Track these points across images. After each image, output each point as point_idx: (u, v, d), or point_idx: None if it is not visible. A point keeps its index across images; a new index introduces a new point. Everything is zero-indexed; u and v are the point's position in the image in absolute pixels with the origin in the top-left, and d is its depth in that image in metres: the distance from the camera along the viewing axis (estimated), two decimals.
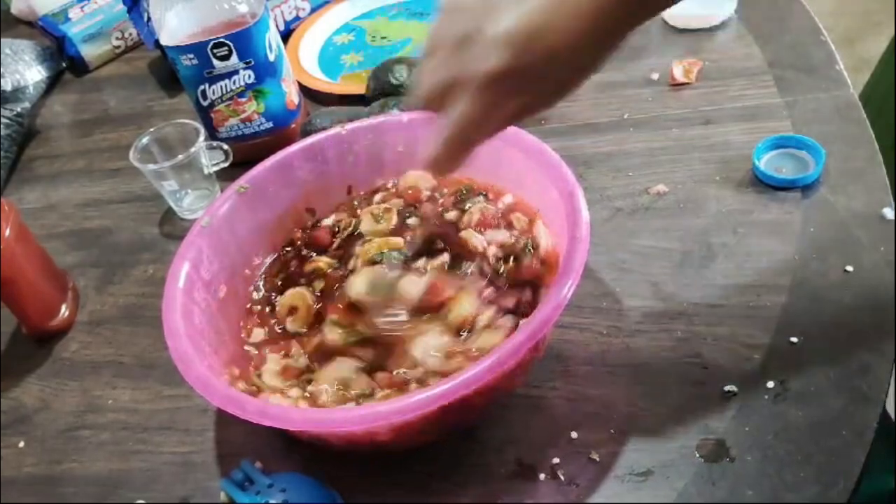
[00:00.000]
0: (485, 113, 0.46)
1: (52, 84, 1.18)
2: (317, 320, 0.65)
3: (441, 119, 0.47)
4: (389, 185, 0.74)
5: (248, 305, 0.68)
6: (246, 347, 0.65)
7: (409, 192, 0.73)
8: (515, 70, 0.43)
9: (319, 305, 0.65)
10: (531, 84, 0.45)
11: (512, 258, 0.64)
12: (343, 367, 0.60)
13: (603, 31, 0.44)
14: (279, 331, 0.65)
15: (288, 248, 0.72)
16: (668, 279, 0.68)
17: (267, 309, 0.67)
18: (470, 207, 0.69)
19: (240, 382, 0.60)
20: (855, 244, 0.66)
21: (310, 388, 0.59)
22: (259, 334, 0.66)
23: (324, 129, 0.76)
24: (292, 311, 0.66)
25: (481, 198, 0.70)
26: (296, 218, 0.73)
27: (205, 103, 0.89)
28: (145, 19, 1.06)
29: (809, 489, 0.52)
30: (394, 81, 0.87)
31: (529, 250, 0.64)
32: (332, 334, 0.62)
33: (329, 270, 0.68)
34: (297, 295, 0.66)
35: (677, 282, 0.67)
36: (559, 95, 0.47)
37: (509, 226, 0.67)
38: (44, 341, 0.78)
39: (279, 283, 0.69)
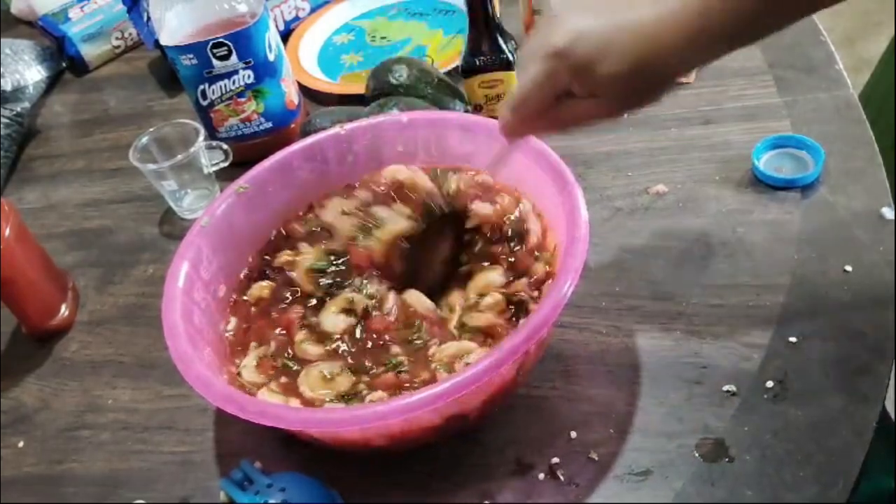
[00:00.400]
0: (590, 113, 0.52)
1: (52, 84, 1.18)
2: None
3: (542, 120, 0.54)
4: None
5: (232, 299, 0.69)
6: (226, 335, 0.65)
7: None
8: (623, 77, 0.48)
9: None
10: (634, 95, 0.51)
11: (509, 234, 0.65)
12: (326, 366, 0.60)
13: (706, 52, 0.49)
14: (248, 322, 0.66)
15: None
16: (668, 279, 0.68)
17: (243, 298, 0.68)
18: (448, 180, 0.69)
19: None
20: (854, 244, 0.66)
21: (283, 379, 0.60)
22: (232, 322, 0.66)
23: (323, 129, 0.76)
24: (259, 302, 0.66)
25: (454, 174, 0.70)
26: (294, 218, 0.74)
27: (204, 103, 0.89)
28: (145, 19, 1.06)
29: (809, 489, 0.52)
30: (393, 81, 0.87)
31: (521, 233, 0.65)
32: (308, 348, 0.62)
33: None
34: (263, 286, 0.67)
35: (677, 282, 0.67)
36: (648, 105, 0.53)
37: (492, 202, 0.67)
38: (44, 341, 0.78)
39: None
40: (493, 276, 0.63)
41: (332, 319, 0.63)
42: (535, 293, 0.61)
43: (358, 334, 0.62)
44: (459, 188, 0.68)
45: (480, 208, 0.66)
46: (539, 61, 0.50)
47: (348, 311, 0.63)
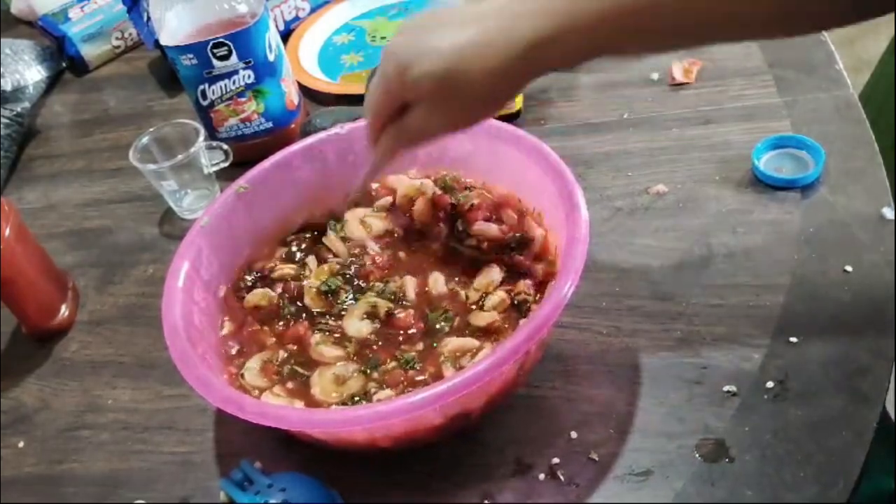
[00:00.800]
0: (420, 127, 0.56)
1: (52, 84, 1.18)
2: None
3: (385, 133, 0.59)
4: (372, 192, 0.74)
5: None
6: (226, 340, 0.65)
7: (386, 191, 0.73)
8: (444, 95, 0.53)
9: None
10: (456, 113, 0.55)
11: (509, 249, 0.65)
12: (342, 368, 0.60)
13: (512, 80, 0.53)
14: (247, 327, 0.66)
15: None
16: (668, 279, 0.68)
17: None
18: (466, 195, 0.70)
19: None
20: (855, 244, 0.66)
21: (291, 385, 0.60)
22: (228, 326, 0.66)
23: (324, 129, 0.76)
24: (257, 309, 0.66)
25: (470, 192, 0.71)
26: (295, 219, 0.74)
27: (204, 103, 0.89)
28: (145, 19, 1.06)
29: (809, 489, 0.52)
30: None
31: (524, 243, 0.65)
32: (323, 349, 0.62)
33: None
34: (262, 295, 0.66)
35: (677, 282, 0.67)
36: (476, 121, 0.57)
37: (499, 221, 0.68)
38: (44, 341, 0.78)
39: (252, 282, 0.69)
40: (493, 275, 0.63)
41: (356, 325, 0.63)
42: (537, 295, 0.62)
43: (379, 335, 0.62)
44: (474, 205, 0.69)
45: (486, 229, 0.67)
46: (380, 65, 0.56)
47: (371, 315, 0.63)
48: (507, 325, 0.61)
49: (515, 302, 0.61)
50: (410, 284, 0.65)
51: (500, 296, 0.62)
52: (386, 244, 0.69)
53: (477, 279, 0.64)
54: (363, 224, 0.70)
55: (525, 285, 0.62)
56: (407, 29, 0.55)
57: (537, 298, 0.61)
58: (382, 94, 0.56)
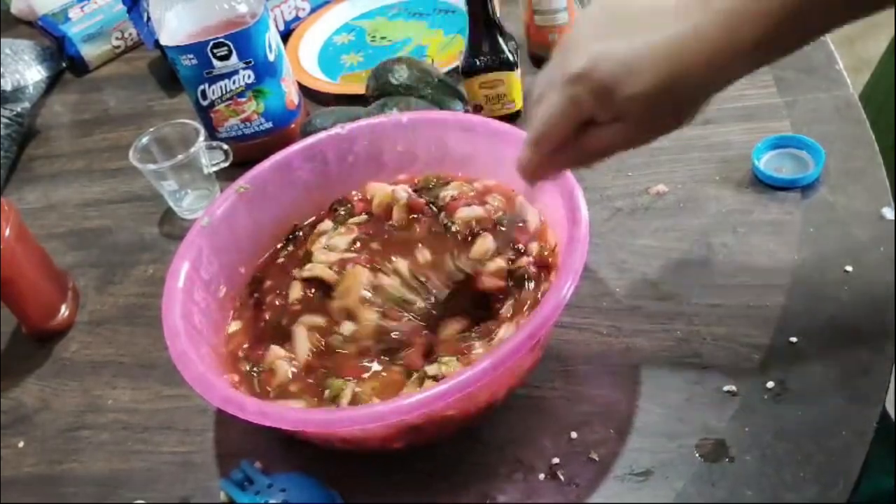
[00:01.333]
0: (635, 137, 0.50)
1: (52, 84, 1.18)
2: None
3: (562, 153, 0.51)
4: (354, 198, 0.74)
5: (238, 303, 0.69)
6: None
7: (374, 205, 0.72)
8: (655, 102, 0.46)
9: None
10: (660, 120, 0.49)
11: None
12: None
13: (728, 81, 0.47)
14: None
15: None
16: (668, 279, 0.68)
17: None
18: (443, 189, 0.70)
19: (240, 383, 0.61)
20: (855, 244, 0.66)
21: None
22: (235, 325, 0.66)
23: (324, 129, 0.76)
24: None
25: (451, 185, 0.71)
26: (294, 220, 0.74)
27: (205, 103, 0.89)
28: (145, 19, 1.06)
29: (809, 489, 0.52)
30: (394, 81, 0.87)
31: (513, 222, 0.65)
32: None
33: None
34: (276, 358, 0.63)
35: (677, 282, 0.67)
36: (658, 131, 0.50)
37: (483, 204, 0.68)
38: (44, 341, 0.78)
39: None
40: (487, 244, 0.64)
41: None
42: (541, 273, 0.62)
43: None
44: (453, 197, 0.68)
45: (470, 212, 0.67)
46: (559, 89, 0.48)
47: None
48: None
49: (515, 276, 0.62)
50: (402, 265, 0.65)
51: (498, 263, 0.62)
52: (360, 248, 0.68)
53: (472, 249, 0.64)
54: (328, 249, 0.69)
55: (526, 261, 0.63)
56: (579, 43, 0.47)
57: (535, 274, 0.62)
58: (568, 123, 0.49)
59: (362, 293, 0.63)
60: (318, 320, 0.64)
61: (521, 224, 0.65)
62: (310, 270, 0.66)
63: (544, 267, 0.62)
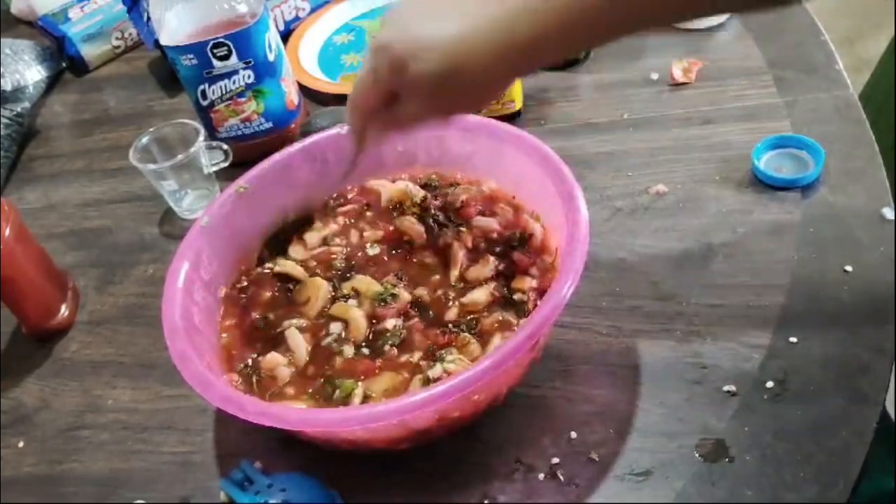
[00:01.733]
0: (411, 114, 0.55)
1: (52, 84, 1.18)
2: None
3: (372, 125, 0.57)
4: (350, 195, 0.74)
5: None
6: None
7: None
8: (445, 84, 0.50)
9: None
10: (453, 101, 0.54)
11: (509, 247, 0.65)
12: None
13: (511, 73, 0.53)
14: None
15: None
16: (668, 279, 0.68)
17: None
18: (453, 191, 0.69)
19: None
20: (855, 244, 0.66)
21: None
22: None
23: (324, 129, 0.76)
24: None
25: (455, 187, 0.70)
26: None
27: (204, 103, 0.89)
28: (145, 19, 1.06)
29: (809, 489, 0.52)
30: None
31: (524, 239, 0.65)
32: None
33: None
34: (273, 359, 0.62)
35: (677, 282, 0.67)
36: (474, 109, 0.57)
37: (493, 215, 0.68)
38: (44, 341, 0.78)
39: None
40: (486, 271, 0.64)
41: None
42: (535, 297, 0.61)
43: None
44: (464, 202, 0.68)
45: (486, 223, 0.67)
46: (369, 57, 0.54)
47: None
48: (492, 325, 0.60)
49: (513, 302, 0.61)
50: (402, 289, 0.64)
51: (486, 292, 0.62)
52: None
53: (471, 270, 0.64)
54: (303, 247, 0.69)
55: (527, 283, 0.62)
56: (395, 20, 0.53)
57: (535, 301, 0.61)
58: (372, 90, 0.55)
59: (340, 301, 0.63)
60: (303, 322, 0.64)
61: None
62: (281, 266, 0.67)
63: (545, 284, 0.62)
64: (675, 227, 0.72)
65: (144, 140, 0.85)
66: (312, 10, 1.14)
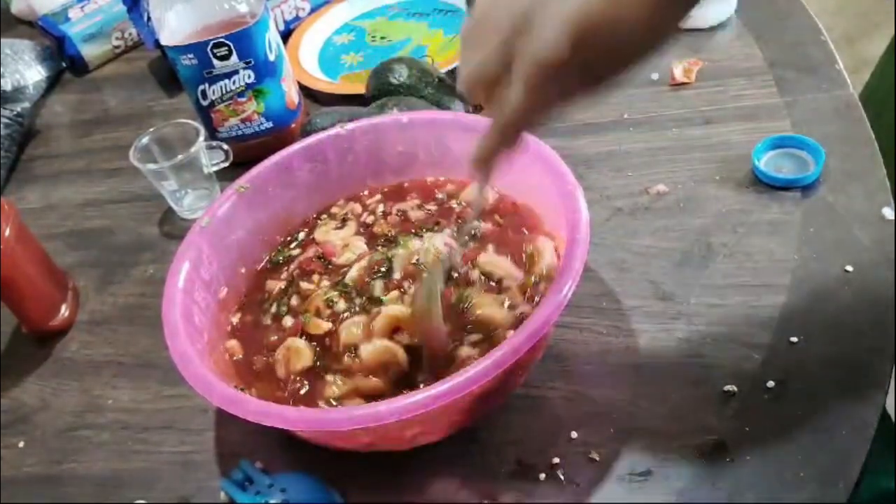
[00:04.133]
0: (538, 104, 0.44)
1: (52, 84, 1.18)
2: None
3: (490, 109, 0.46)
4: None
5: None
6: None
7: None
8: (575, 61, 0.41)
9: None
10: (587, 75, 0.43)
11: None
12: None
13: (664, 18, 0.42)
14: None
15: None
16: (668, 279, 0.68)
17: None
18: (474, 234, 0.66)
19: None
20: (855, 244, 0.66)
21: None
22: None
23: (324, 129, 0.76)
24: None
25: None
26: (294, 220, 0.74)
27: (205, 103, 0.89)
28: (145, 19, 1.06)
29: (809, 489, 0.52)
30: (394, 81, 0.87)
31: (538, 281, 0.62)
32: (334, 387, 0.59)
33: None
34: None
35: (677, 282, 0.67)
36: (613, 85, 0.44)
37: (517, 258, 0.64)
38: (44, 341, 0.78)
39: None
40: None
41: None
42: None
43: None
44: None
45: (509, 272, 0.63)
46: (526, 76, 0.43)
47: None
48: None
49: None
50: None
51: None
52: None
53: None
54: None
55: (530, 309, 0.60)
56: None
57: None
58: (548, 104, 0.44)
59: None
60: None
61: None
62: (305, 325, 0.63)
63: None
64: (675, 227, 0.72)
65: (144, 140, 0.85)
66: (312, 10, 1.14)
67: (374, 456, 0.60)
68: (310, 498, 0.56)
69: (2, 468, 0.68)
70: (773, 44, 0.89)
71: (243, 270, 0.70)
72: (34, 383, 0.74)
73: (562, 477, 0.57)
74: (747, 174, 0.75)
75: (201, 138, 0.84)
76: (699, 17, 0.93)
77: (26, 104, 1.10)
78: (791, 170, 0.73)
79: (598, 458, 0.57)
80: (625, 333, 0.64)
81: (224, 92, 0.88)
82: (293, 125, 0.93)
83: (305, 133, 0.83)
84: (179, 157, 0.82)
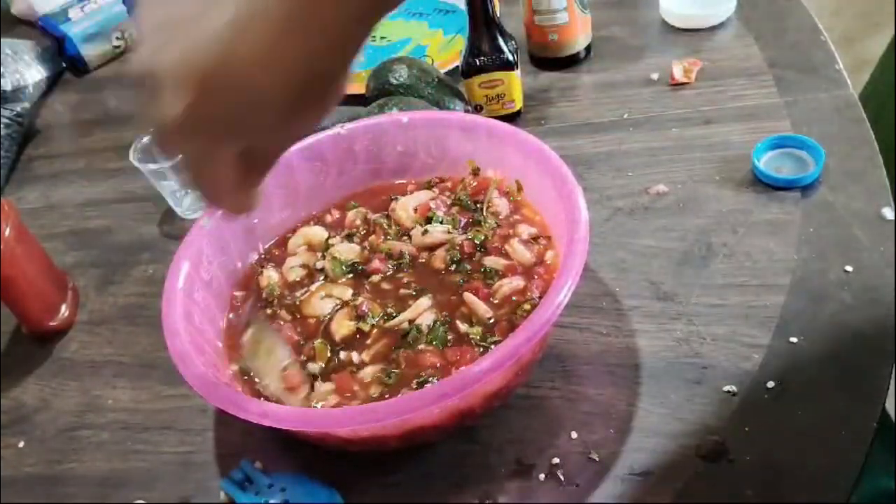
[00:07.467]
0: (200, 162, 0.41)
1: (52, 84, 1.18)
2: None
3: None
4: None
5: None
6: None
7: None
8: (201, 113, 0.37)
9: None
10: (233, 125, 0.38)
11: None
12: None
13: (301, 59, 0.36)
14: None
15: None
16: (668, 279, 0.68)
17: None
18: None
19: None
20: (855, 244, 0.66)
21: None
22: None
23: (323, 129, 0.76)
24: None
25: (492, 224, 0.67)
26: (294, 220, 0.74)
27: None
28: None
29: (809, 489, 0.52)
30: (394, 81, 0.87)
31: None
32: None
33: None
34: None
35: (677, 282, 0.67)
36: (284, 133, 0.40)
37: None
38: (44, 341, 0.78)
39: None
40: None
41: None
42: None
43: None
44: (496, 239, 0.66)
45: (509, 286, 0.63)
46: (182, 141, 0.40)
47: None
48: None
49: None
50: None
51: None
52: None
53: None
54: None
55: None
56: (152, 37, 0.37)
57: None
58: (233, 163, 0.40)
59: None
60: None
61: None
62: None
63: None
64: (675, 227, 0.72)
65: (144, 140, 0.85)
66: None
67: (375, 456, 0.60)
68: (310, 498, 0.56)
69: (2, 468, 0.68)
70: (773, 44, 0.89)
71: (243, 270, 0.70)
72: (34, 383, 0.74)
73: (562, 477, 0.57)
74: (747, 174, 0.75)
75: None
76: (699, 16, 0.93)
77: (26, 104, 1.10)
78: (791, 170, 0.73)
79: (598, 458, 0.57)
80: (625, 333, 0.65)
81: None
82: None
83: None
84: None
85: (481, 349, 0.58)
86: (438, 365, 0.57)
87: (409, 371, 0.58)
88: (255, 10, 0.34)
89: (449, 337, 0.60)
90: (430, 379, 0.56)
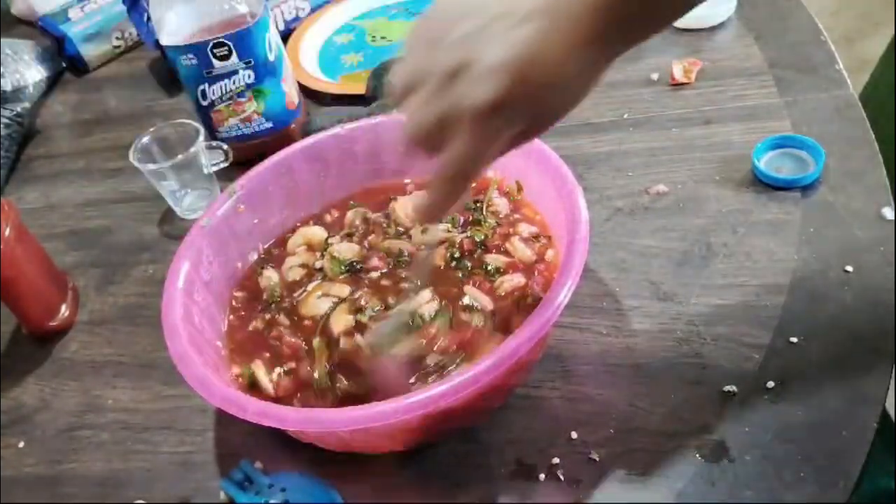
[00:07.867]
0: (481, 148, 0.45)
1: (52, 84, 1.18)
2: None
3: (436, 159, 0.46)
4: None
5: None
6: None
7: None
8: (510, 101, 0.42)
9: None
10: (526, 113, 0.44)
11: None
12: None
13: (595, 57, 0.45)
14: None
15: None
16: (668, 279, 0.68)
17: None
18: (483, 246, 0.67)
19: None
20: (855, 244, 0.66)
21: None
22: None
23: (324, 129, 0.76)
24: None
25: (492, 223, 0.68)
26: (294, 220, 0.74)
27: (205, 103, 0.89)
28: (145, 19, 1.07)
29: (809, 489, 0.52)
30: None
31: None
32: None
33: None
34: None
35: (677, 282, 0.67)
36: (554, 120, 0.47)
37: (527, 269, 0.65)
38: (44, 341, 0.78)
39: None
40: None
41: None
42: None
43: None
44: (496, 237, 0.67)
45: (510, 283, 0.64)
46: (471, 128, 0.44)
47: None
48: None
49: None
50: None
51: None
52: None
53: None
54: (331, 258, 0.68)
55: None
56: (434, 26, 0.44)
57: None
58: (492, 151, 0.45)
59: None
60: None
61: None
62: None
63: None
64: (675, 227, 0.72)
65: (144, 140, 0.85)
66: (312, 10, 1.14)
67: (374, 456, 0.60)
68: (310, 498, 0.56)
69: (2, 468, 0.68)
70: (773, 44, 0.89)
71: (243, 270, 0.70)
72: (34, 383, 0.74)
73: (562, 477, 0.57)
74: (747, 174, 0.75)
75: (201, 138, 0.84)
76: (699, 17, 0.93)
77: (26, 104, 1.10)
78: (791, 170, 0.73)
79: (598, 458, 0.57)
80: (625, 333, 0.64)
81: (224, 92, 0.88)
82: (293, 125, 0.93)
83: (305, 133, 0.83)
84: (179, 157, 0.82)
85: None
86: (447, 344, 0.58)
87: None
88: (559, 24, 0.42)
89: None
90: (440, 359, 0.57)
